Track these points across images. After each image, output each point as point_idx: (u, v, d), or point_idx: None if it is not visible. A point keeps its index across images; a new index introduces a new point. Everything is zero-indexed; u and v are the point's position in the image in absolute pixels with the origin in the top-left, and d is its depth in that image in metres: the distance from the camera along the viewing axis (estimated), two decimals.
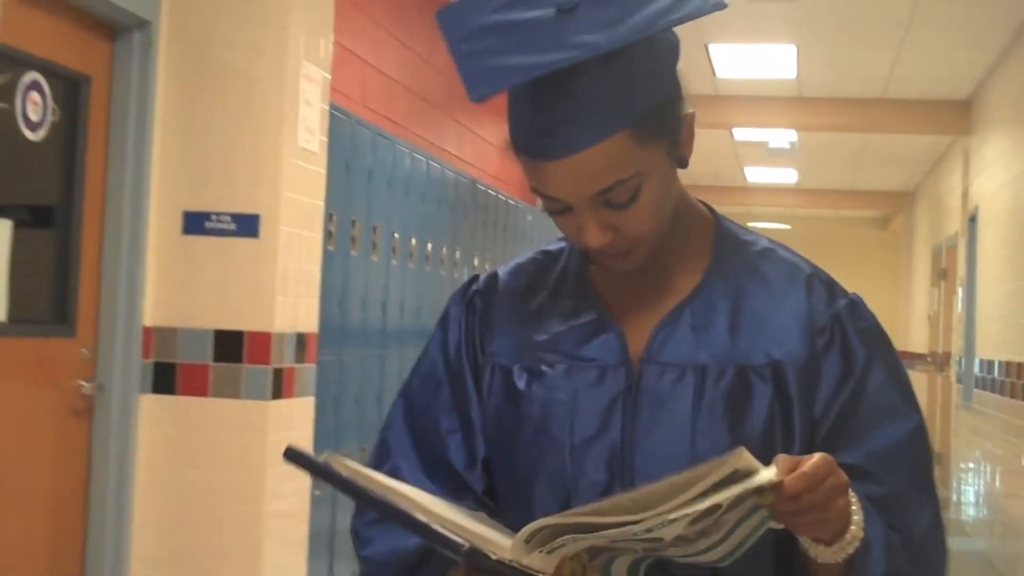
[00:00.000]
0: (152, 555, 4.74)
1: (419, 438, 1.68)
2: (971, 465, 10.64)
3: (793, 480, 1.34)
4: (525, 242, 9.45)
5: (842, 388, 1.59)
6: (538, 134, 1.52)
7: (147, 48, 4.66)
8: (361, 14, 6.58)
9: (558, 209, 1.55)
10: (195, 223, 4.77)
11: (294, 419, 4.94)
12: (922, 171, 15.12)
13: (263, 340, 4.73)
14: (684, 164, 1.60)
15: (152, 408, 4.74)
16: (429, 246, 6.99)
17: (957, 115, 11.12)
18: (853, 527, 1.46)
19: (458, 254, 7.66)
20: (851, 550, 1.46)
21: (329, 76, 5.15)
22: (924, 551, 1.58)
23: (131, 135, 4.65)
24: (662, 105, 1.55)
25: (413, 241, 6.68)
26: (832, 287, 1.67)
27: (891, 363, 1.64)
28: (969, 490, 10.92)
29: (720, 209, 1.74)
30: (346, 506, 4.98)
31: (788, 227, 20.13)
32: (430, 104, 8.13)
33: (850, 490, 1.44)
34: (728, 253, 1.68)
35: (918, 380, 15.41)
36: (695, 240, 1.68)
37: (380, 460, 1.69)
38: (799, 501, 1.35)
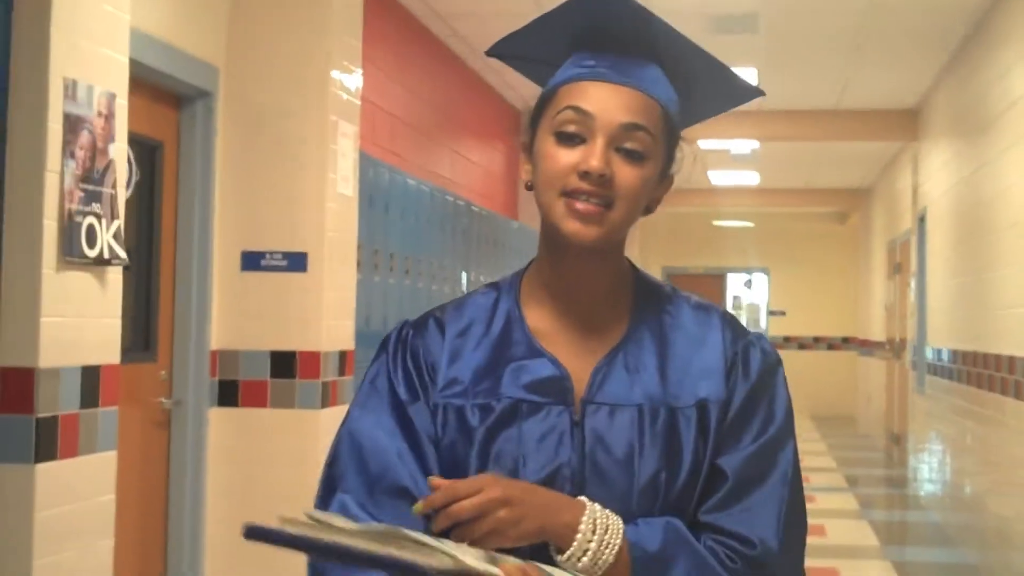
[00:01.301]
0: (223, 546, 5.52)
1: (368, 468, 1.74)
2: (925, 445, 11.41)
3: (436, 497, 1.59)
4: (510, 252, 10.25)
5: (729, 412, 1.75)
6: (609, 65, 1.73)
7: (208, 115, 5.45)
8: (369, 63, 7.39)
9: (575, 137, 1.70)
10: (252, 261, 5.57)
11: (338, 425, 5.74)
12: (877, 170, 15.74)
13: (313, 358, 5.54)
14: (650, 210, 1.80)
15: (220, 419, 5.53)
16: (433, 264, 7.80)
17: (906, 123, 11.85)
18: (579, 535, 1.62)
19: (458, 269, 8.48)
20: (588, 555, 1.63)
21: (358, 130, 5.96)
22: (766, 556, 1.70)
23: (197, 189, 5.42)
24: (676, 131, 1.80)
25: (421, 262, 7.51)
26: (736, 328, 1.83)
27: (765, 389, 1.78)
28: (924, 468, 11.64)
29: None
30: None
31: (751, 224, 20.61)
32: (426, 135, 8.92)
33: (588, 507, 1.64)
34: (648, 299, 1.83)
35: (877, 367, 16.15)
36: (621, 286, 1.82)
37: (326, 495, 1.77)
38: (450, 514, 1.57)
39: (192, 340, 5.42)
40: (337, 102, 5.67)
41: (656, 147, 1.73)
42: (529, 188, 1.76)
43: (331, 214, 5.62)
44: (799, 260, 21.21)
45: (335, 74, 5.65)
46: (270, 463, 5.53)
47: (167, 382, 5.39)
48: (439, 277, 7.95)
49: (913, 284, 12.34)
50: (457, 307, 1.84)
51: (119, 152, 3.77)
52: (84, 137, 3.57)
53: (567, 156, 1.69)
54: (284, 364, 5.54)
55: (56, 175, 3.48)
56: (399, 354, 1.79)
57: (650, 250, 20.59)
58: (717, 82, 1.83)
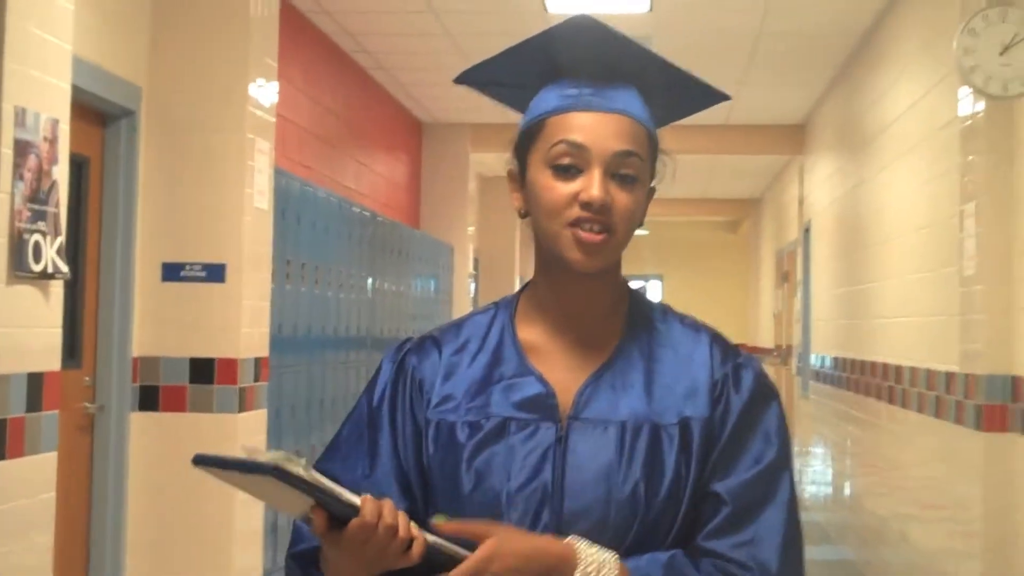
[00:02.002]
0: (143, 541, 5.78)
1: (338, 482, 1.72)
2: (809, 449, 11.93)
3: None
4: (414, 259, 10.55)
5: (721, 435, 1.78)
6: (596, 94, 1.78)
7: (132, 133, 5.71)
8: (280, 78, 7.65)
9: (571, 168, 1.75)
10: (172, 272, 5.84)
11: (253, 428, 6.05)
12: (767, 180, 16.23)
13: (231, 365, 5.82)
14: (641, 223, 1.83)
15: (141, 423, 5.79)
16: (341, 272, 8.10)
17: (793, 138, 12.33)
18: None
19: (364, 277, 8.77)
20: None
21: (273, 145, 6.26)
22: (769, 567, 1.73)
23: (120, 203, 5.68)
24: (657, 148, 1.85)
25: (330, 271, 7.81)
26: (727, 349, 1.86)
27: (759, 415, 1.80)
28: (808, 471, 12.16)
29: None
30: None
31: (646, 232, 21.12)
32: (333, 147, 9.22)
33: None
34: (639, 319, 1.87)
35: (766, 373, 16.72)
36: (616, 305, 1.87)
37: (297, 534, 1.81)
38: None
39: (115, 347, 5.67)
40: (254, 120, 5.96)
41: (645, 168, 1.80)
42: (523, 216, 1.83)
43: (248, 227, 5.90)
44: (693, 267, 21.75)
45: (252, 93, 5.93)
46: (189, 466, 5.76)
47: (91, 387, 5.63)
48: (346, 285, 8.24)
49: (799, 293, 12.84)
50: (457, 325, 1.91)
51: (61, 173, 4.05)
52: (31, 160, 3.86)
53: (566, 187, 1.74)
54: (203, 370, 5.82)
55: (7, 196, 3.76)
56: (389, 369, 1.88)
57: None
58: (685, 90, 1.88)
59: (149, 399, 5.82)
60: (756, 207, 18.54)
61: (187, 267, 5.84)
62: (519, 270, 15.63)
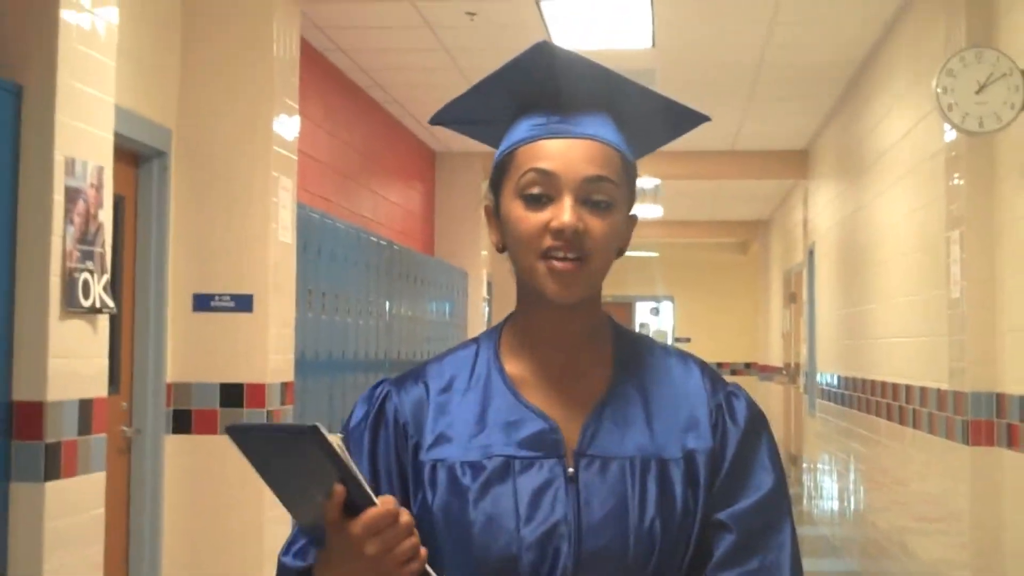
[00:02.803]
0: (178, 555, 6.12)
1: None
2: (817, 466, 12.23)
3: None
4: (429, 286, 10.91)
5: (722, 464, 1.76)
6: (563, 121, 1.74)
7: (163, 172, 6.06)
8: (300, 115, 8.03)
9: (541, 197, 1.71)
10: (203, 302, 6.20)
11: None
12: (774, 203, 16.53)
13: (258, 389, 6.17)
14: (621, 253, 1.79)
15: (175, 445, 6.14)
16: (360, 300, 8.45)
17: (796, 163, 12.64)
18: None
19: (381, 304, 9.13)
20: None
21: (296, 182, 6.61)
22: None
23: (153, 238, 6.03)
24: (634, 173, 1.80)
25: (349, 299, 8.17)
26: (716, 379, 1.84)
27: (755, 442, 1.80)
28: (816, 487, 12.43)
29: None
30: None
31: (656, 254, 21.38)
32: (350, 178, 9.58)
33: None
34: (628, 350, 1.84)
35: (776, 391, 16.96)
36: (599, 334, 1.83)
37: (293, 540, 1.77)
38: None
39: (150, 374, 6.02)
40: (278, 159, 6.32)
41: (620, 193, 1.74)
42: (500, 250, 1.79)
43: (273, 259, 6.26)
44: (703, 288, 22.01)
45: (275, 132, 6.29)
46: (220, 484, 6.15)
47: (127, 412, 5.97)
48: (364, 312, 8.59)
49: (805, 313, 13.16)
50: (439, 362, 1.86)
51: (106, 216, 4.41)
52: (80, 205, 4.21)
53: (537, 217, 1.70)
54: (232, 395, 6.17)
55: (60, 239, 4.12)
56: (363, 410, 1.82)
57: None
58: (665, 114, 1.84)
59: (182, 422, 6.16)
60: (765, 229, 18.81)
61: (216, 298, 6.19)
62: None
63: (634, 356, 1.83)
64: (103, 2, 4.44)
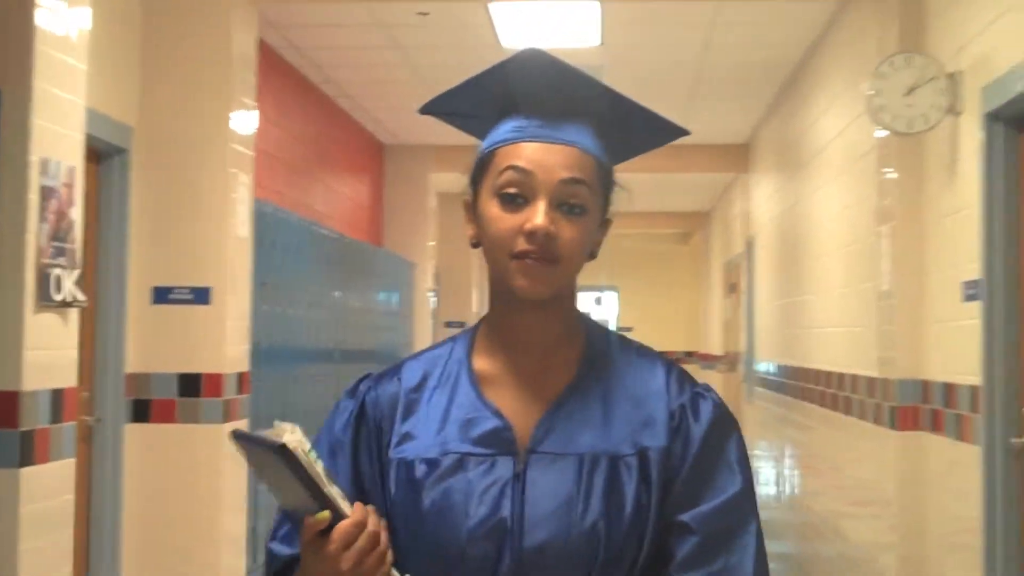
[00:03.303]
0: (138, 542, 6.31)
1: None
2: (755, 452, 12.54)
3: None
4: (378, 277, 11.13)
5: (683, 465, 1.77)
6: (544, 124, 1.78)
7: (124, 169, 6.23)
8: None
9: (517, 198, 1.75)
10: (162, 295, 6.38)
11: None
12: (716, 195, 16.82)
13: (216, 379, 6.37)
14: (593, 256, 1.84)
15: (134, 434, 6.32)
16: (311, 291, 8.66)
17: (738, 157, 12.96)
18: None
19: (332, 296, 9.34)
20: None
21: (252, 178, 6.81)
22: None
23: (114, 233, 6.19)
24: (611, 179, 1.85)
25: (302, 290, 8.37)
26: (683, 380, 1.85)
27: (721, 443, 1.80)
28: (755, 473, 12.75)
29: None
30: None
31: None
32: (301, 172, 9.77)
33: None
34: (598, 349, 1.86)
35: (716, 379, 17.27)
36: (571, 335, 1.86)
37: (277, 526, 1.84)
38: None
39: (110, 364, 6.19)
40: (235, 155, 6.52)
41: (594, 198, 1.79)
42: (475, 246, 1.83)
43: (231, 253, 6.45)
44: (647, 278, 22.30)
45: (233, 130, 6.49)
46: (179, 471, 6.35)
47: (88, 401, 6.15)
48: (316, 303, 8.80)
49: (744, 302, 13.48)
50: (416, 360, 1.92)
51: (77, 213, 4.60)
52: (53, 204, 4.41)
53: (512, 219, 1.75)
54: (190, 385, 6.36)
55: (34, 236, 4.32)
56: (348, 404, 1.88)
57: None
58: (645, 125, 1.88)
59: (141, 412, 6.34)
60: (706, 220, 19.09)
61: (175, 291, 6.38)
62: (476, 283, 16.19)
63: (600, 354, 1.86)
64: (76, 7, 4.63)
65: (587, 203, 1.77)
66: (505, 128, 1.81)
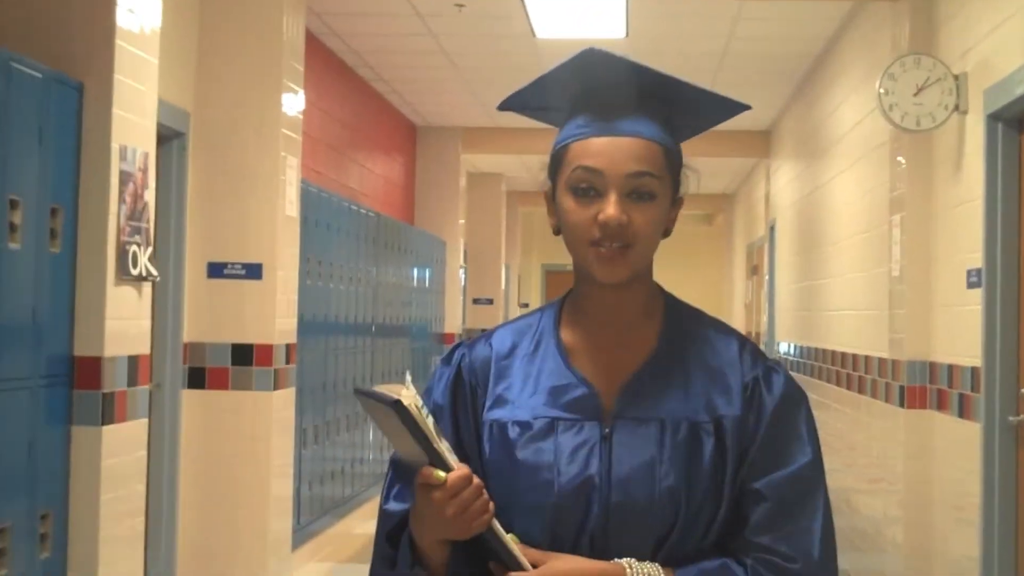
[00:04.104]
0: (193, 500, 6.75)
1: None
2: None
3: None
4: (411, 254, 11.54)
5: (755, 434, 1.88)
6: (607, 119, 1.88)
7: (182, 152, 6.65)
8: None
9: (590, 191, 1.86)
10: (216, 270, 6.81)
11: (285, 404, 7.04)
12: (740, 178, 17.14)
13: (267, 350, 6.80)
14: (668, 233, 1.95)
15: (191, 399, 6.76)
16: (350, 267, 9.08)
17: (760, 143, 13.31)
18: None
19: (370, 272, 9.76)
20: None
21: (299, 161, 7.23)
22: (809, 570, 1.85)
23: (172, 212, 6.61)
24: (679, 161, 1.94)
25: (342, 267, 8.80)
26: (756, 354, 1.95)
27: (791, 415, 1.91)
28: None
29: None
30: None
31: None
32: (339, 152, 10.18)
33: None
34: (676, 323, 1.98)
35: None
36: (650, 309, 1.97)
37: (388, 487, 1.97)
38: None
39: (169, 334, 6.62)
40: (285, 139, 6.94)
41: (662, 184, 1.88)
42: (556, 233, 1.95)
43: (280, 232, 6.88)
44: (672, 258, 22.50)
45: (283, 115, 6.91)
46: (231, 435, 6.78)
47: (149, 368, 6.58)
48: (354, 279, 9.23)
49: (765, 284, 13.85)
50: (506, 329, 2.05)
51: (150, 196, 5.04)
52: (130, 188, 4.84)
53: (586, 211, 1.86)
54: (243, 354, 6.79)
55: (115, 217, 4.75)
56: (444, 371, 2.02)
57: (532, 248, 21.97)
58: (707, 104, 1.98)
59: (197, 379, 6.77)
60: (730, 202, 19.38)
61: (229, 266, 6.81)
62: (504, 259, 16.59)
63: (679, 328, 1.97)
64: (148, 7, 5.06)
65: (655, 190, 1.87)
66: (573, 125, 1.92)
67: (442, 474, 1.76)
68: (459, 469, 1.77)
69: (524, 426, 1.91)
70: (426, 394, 1.97)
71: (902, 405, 6.57)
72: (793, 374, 8.97)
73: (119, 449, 4.80)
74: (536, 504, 1.86)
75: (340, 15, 8.84)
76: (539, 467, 1.87)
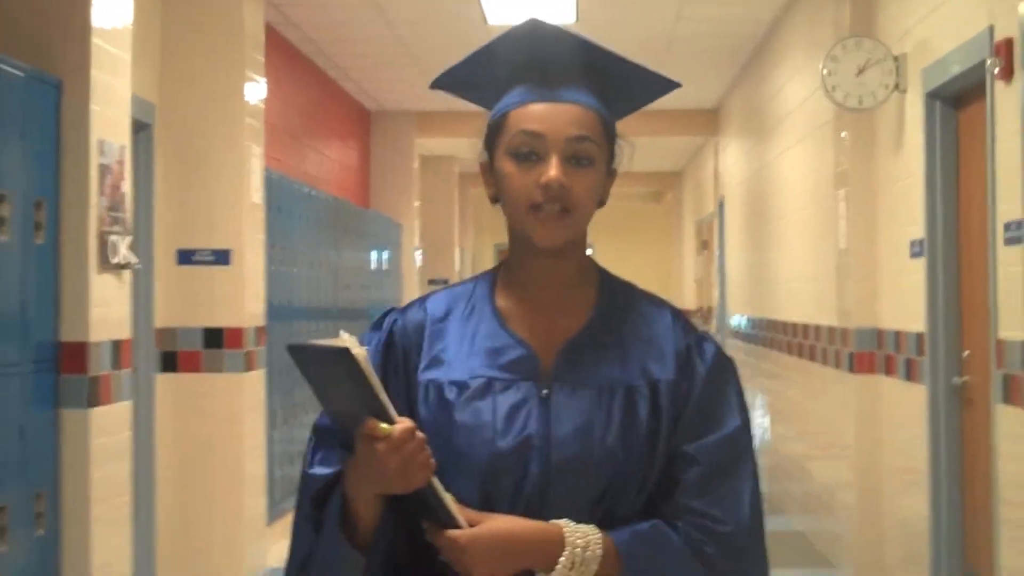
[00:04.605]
0: (169, 481, 6.93)
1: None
2: None
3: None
4: (368, 237, 11.73)
5: (688, 399, 1.93)
6: (549, 88, 1.93)
7: (148, 142, 6.81)
8: None
9: (531, 155, 1.90)
10: (186, 257, 7.00)
11: (256, 385, 7.25)
12: (687, 156, 17.37)
13: (237, 333, 7.00)
14: (602, 203, 2.00)
15: (164, 383, 6.95)
16: (309, 252, 9.28)
17: (707, 121, 13.51)
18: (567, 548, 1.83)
19: (328, 255, 9.96)
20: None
21: (263, 149, 7.43)
22: (740, 533, 1.90)
23: (141, 201, 6.75)
24: (614, 132, 2.00)
25: (303, 252, 9.00)
26: (688, 325, 2.01)
27: (721, 383, 1.96)
28: None
29: None
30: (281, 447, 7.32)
31: None
32: (296, 139, 10.36)
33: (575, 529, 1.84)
34: (611, 293, 2.02)
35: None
36: (584, 278, 2.02)
37: (312, 453, 1.96)
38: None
39: (141, 320, 6.77)
40: (248, 129, 7.13)
41: (600, 151, 1.94)
42: (494, 202, 2.00)
43: (247, 218, 7.08)
44: (622, 236, 22.84)
45: (246, 105, 7.10)
46: (204, 417, 6.98)
47: None
48: (315, 264, 9.43)
49: (716, 259, 14.15)
50: (440, 294, 2.07)
51: (128, 187, 5.23)
52: (109, 180, 5.03)
53: (527, 175, 1.90)
54: (214, 338, 6.99)
55: (95, 208, 4.94)
56: (373, 336, 2.02)
57: (484, 229, 22.19)
58: (641, 81, 2.03)
59: (170, 362, 6.97)
60: (678, 180, 19.64)
61: (198, 253, 7.00)
62: (458, 240, 16.82)
63: (614, 299, 2.02)
64: (121, 4, 5.24)
65: (594, 156, 1.93)
66: (514, 93, 1.96)
67: (387, 426, 1.76)
68: (403, 422, 1.78)
69: (461, 386, 1.93)
70: None
71: (851, 371, 6.85)
72: (747, 345, 9.34)
73: (106, 430, 5.00)
74: (474, 463, 1.89)
75: (297, 5, 9.02)
76: (477, 427, 1.90)
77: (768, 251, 10.00)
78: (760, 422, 10.70)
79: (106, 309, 5.05)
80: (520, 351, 1.95)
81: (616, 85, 2.00)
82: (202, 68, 7.03)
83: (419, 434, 1.78)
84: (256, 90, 7.29)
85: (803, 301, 8.46)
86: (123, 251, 5.12)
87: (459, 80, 2.07)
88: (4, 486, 4.50)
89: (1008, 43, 4.66)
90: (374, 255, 12.09)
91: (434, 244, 15.97)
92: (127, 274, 5.24)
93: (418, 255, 14.44)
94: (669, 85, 2.06)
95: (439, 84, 2.08)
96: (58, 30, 4.93)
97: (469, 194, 19.86)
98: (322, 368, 1.75)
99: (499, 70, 2.00)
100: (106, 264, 5.00)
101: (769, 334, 9.94)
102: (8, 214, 4.51)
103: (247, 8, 7.12)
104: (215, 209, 7.01)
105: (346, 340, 1.72)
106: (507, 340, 1.96)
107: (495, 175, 1.96)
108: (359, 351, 1.71)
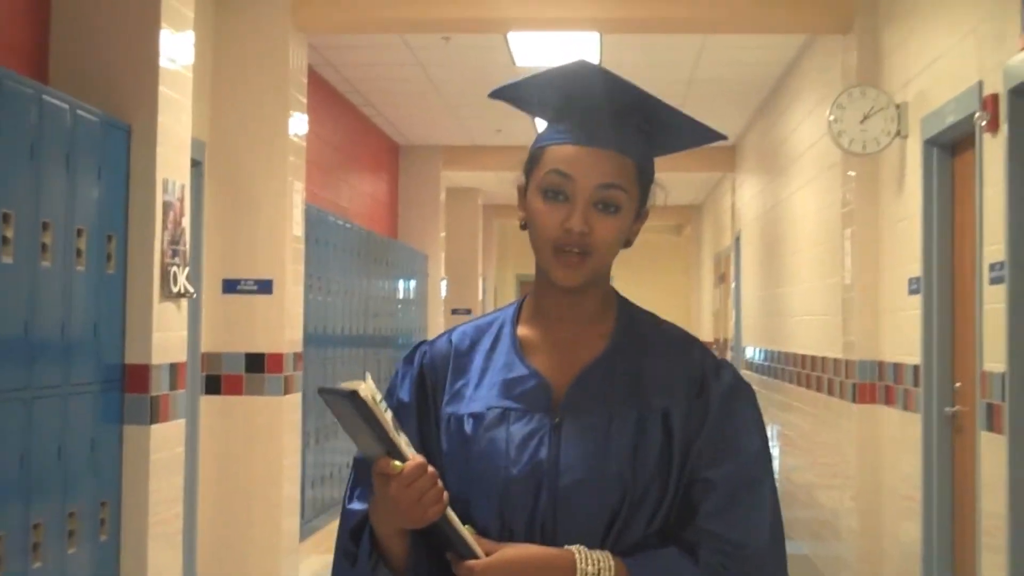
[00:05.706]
0: (211, 496, 7.38)
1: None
2: None
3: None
4: (395, 267, 12.17)
5: (703, 426, 1.94)
6: (587, 131, 1.94)
7: (198, 178, 7.26)
8: None
9: (559, 195, 1.93)
10: (231, 286, 7.45)
11: (294, 407, 7.69)
12: (707, 190, 17.72)
13: (277, 358, 7.44)
14: (629, 244, 2.01)
15: (208, 404, 7.40)
16: (343, 282, 9.74)
17: (725, 157, 13.89)
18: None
19: (360, 285, 10.41)
20: None
21: (304, 185, 7.89)
22: (759, 555, 1.92)
23: (191, 233, 7.23)
24: (650, 177, 2.01)
25: (337, 281, 9.46)
26: (705, 353, 2.01)
27: (738, 406, 1.97)
28: None
29: None
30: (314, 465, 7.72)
31: None
32: (329, 173, 10.82)
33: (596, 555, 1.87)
34: (629, 323, 2.04)
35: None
36: (604, 311, 2.04)
37: (351, 488, 2.02)
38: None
39: (189, 345, 7.22)
40: (292, 166, 7.60)
41: (629, 198, 1.95)
42: (523, 228, 2.02)
43: (288, 250, 7.53)
44: (641, 267, 23.16)
45: (289, 143, 7.56)
46: (245, 437, 7.42)
47: None
48: (347, 293, 9.88)
49: (732, 292, 14.48)
50: (466, 327, 2.11)
51: (187, 222, 5.70)
52: (171, 216, 5.51)
53: (554, 214, 1.92)
54: (255, 363, 7.44)
55: (159, 242, 5.42)
56: (407, 369, 2.08)
57: (507, 259, 22.59)
58: (686, 130, 2.04)
59: (214, 385, 7.42)
60: (698, 213, 19.93)
61: (242, 282, 7.46)
62: (481, 270, 17.22)
63: (632, 328, 2.04)
64: (183, 53, 5.73)
65: (621, 202, 1.94)
66: (556, 128, 1.99)
67: (398, 463, 1.81)
68: (415, 459, 1.82)
69: (478, 418, 1.98)
70: (388, 394, 2.05)
71: (854, 401, 7.24)
72: (761, 377, 9.73)
73: (163, 446, 5.46)
74: (490, 490, 1.92)
75: (336, 48, 9.51)
76: (492, 455, 1.94)
77: (781, 285, 10.40)
78: (772, 452, 10.99)
79: (166, 334, 5.51)
80: (534, 382, 1.99)
81: (658, 130, 2.02)
82: (249, 108, 7.49)
83: (430, 469, 1.83)
84: (299, 128, 7.75)
85: (812, 334, 8.86)
86: (182, 281, 5.59)
87: (516, 95, 2.09)
88: (77, 493, 4.96)
89: (994, 98, 5.08)
90: (401, 284, 12.53)
91: (458, 274, 16.38)
92: (184, 302, 5.70)
93: (443, 284, 14.86)
94: (713, 136, 2.08)
95: (497, 95, 2.11)
96: (128, 79, 5.41)
97: (493, 225, 20.27)
98: (342, 409, 1.80)
99: (548, 98, 2.03)
100: (167, 293, 5.47)
101: (781, 366, 10.30)
102: (85, 247, 4.98)
103: (292, 51, 7.59)
104: (259, 241, 7.46)
105: (360, 384, 1.78)
106: (523, 371, 2.00)
107: (527, 204, 2.00)
108: (369, 392, 1.77)
